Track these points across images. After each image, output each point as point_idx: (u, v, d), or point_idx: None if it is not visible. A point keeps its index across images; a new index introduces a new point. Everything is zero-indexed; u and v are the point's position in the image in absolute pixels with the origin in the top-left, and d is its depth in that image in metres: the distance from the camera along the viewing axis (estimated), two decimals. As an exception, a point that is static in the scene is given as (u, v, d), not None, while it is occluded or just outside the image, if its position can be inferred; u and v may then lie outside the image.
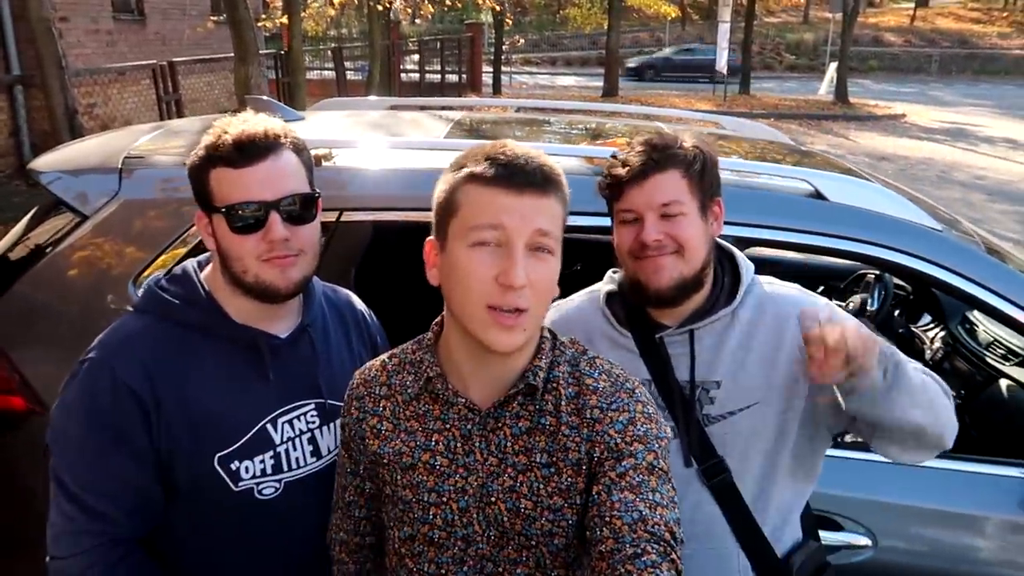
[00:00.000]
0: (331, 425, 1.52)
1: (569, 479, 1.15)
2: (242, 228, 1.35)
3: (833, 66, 22.10)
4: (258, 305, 1.42)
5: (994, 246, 2.38)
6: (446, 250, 1.14)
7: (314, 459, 1.49)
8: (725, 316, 1.52)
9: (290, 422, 1.47)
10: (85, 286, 2.00)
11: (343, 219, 2.03)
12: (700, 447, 1.51)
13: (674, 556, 1.02)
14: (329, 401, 1.51)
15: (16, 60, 9.36)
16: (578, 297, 1.68)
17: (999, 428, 2.51)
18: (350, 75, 16.89)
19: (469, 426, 1.18)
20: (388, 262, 2.72)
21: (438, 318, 1.25)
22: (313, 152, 2.13)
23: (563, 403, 1.18)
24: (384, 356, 1.32)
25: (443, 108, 3.25)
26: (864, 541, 1.89)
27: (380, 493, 1.28)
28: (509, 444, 1.17)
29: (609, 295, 1.62)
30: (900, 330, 3.15)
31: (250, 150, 1.34)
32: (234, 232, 1.35)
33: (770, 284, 1.60)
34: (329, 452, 1.52)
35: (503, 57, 24.29)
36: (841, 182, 2.12)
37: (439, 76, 19.92)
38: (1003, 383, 2.53)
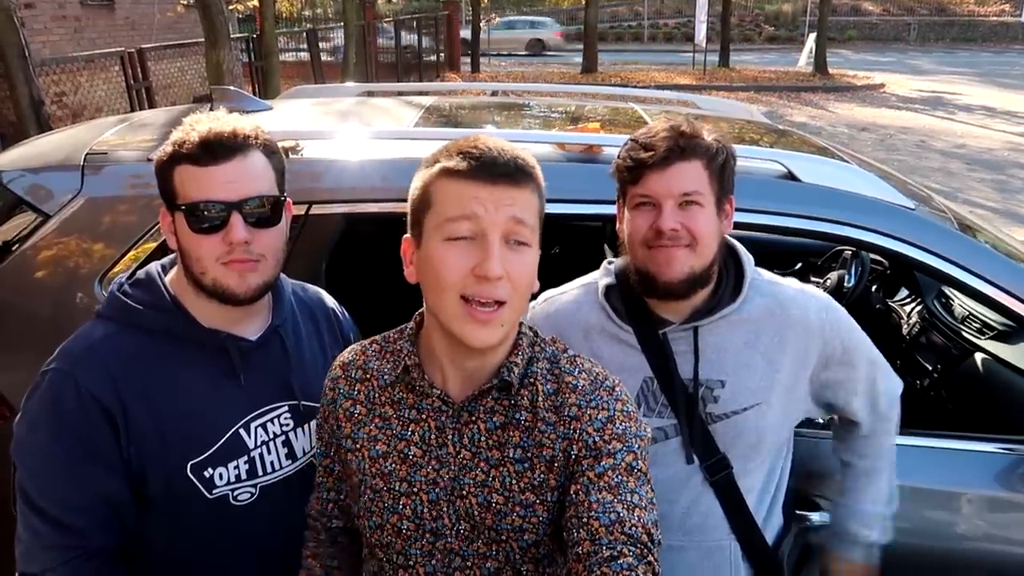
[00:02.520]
0: (306, 427, 1.50)
1: (542, 475, 1.15)
2: (202, 228, 1.32)
3: (812, 37, 22.01)
4: (224, 308, 1.39)
5: (967, 222, 2.39)
6: (422, 246, 1.12)
7: (289, 461, 1.48)
8: (730, 314, 1.51)
9: (264, 425, 1.45)
10: (53, 286, 1.96)
11: (312, 212, 2.00)
12: (703, 445, 1.50)
13: (651, 558, 1.01)
14: (303, 403, 1.49)
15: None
16: (572, 289, 1.65)
17: (974, 402, 2.53)
18: (326, 57, 16.68)
19: (443, 418, 1.18)
20: (359, 255, 2.70)
21: (421, 309, 1.23)
22: (281, 144, 2.12)
23: (540, 399, 1.17)
24: (366, 341, 1.31)
25: (416, 94, 3.19)
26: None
27: (348, 477, 1.28)
28: (483, 438, 1.16)
29: (608, 288, 1.59)
30: (877, 306, 3.17)
31: (216, 149, 1.31)
32: (194, 231, 1.32)
33: (773, 282, 1.58)
34: (304, 454, 1.50)
35: (480, 34, 24.06)
36: (814, 162, 2.11)
37: (416, 56, 19.70)
38: (978, 357, 2.55)
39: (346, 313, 1.71)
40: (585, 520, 1.04)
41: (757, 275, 1.57)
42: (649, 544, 1.02)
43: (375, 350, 1.28)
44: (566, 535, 1.07)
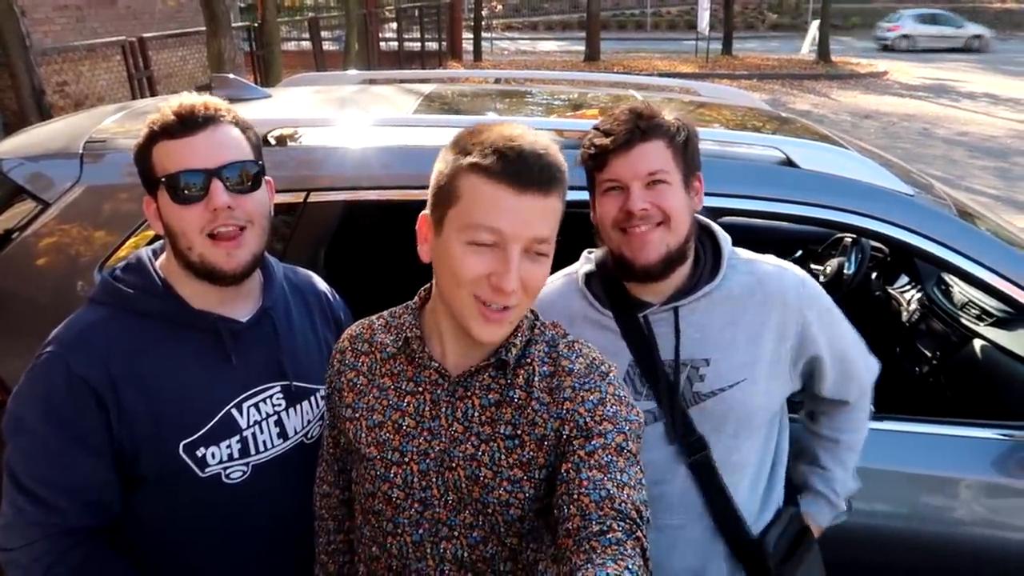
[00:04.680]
0: (297, 407, 1.52)
1: (531, 452, 1.17)
2: (184, 198, 1.34)
3: (815, 24, 21.90)
4: (215, 289, 1.41)
5: (967, 209, 2.39)
6: (441, 235, 1.13)
7: (281, 440, 1.50)
8: (711, 292, 1.52)
9: (256, 405, 1.47)
10: (54, 274, 1.97)
11: (310, 200, 2.01)
12: (683, 425, 1.51)
13: (639, 534, 1.03)
14: (294, 383, 1.51)
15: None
16: (555, 280, 1.66)
17: (973, 388, 2.53)
18: (328, 46, 16.63)
19: (439, 391, 1.21)
20: (358, 243, 2.70)
21: (427, 284, 1.25)
22: (279, 131, 2.13)
23: (536, 379, 1.19)
24: (375, 316, 1.34)
25: (416, 81, 3.19)
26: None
27: (348, 447, 1.31)
28: (476, 414, 1.19)
29: (588, 276, 1.60)
30: (877, 293, 3.17)
31: (189, 121, 1.34)
32: (176, 203, 1.34)
33: (750, 260, 1.59)
34: (296, 433, 1.52)
35: (483, 23, 23.97)
36: (813, 149, 2.11)
37: (419, 44, 19.65)
38: (977, 343, 2.55)
39: (337, 295, 1.73)
40: (575, 496, 1.06)
41: (734, 254, 1.58)
42: (638, 520, 1.04)
43: (381, 324, 1.31)
44: (556, 512, 1.09)
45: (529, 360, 1.21)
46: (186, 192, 1.33)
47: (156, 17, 12.75)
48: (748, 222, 3.12)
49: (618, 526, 1.01)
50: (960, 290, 2.77)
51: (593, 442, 1.11)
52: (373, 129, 2.16)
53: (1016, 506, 2.01)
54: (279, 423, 1.50)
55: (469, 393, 1.20)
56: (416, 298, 1.28)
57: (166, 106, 1.36)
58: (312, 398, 1.54)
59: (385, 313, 1.33)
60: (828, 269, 3.19)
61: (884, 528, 1.98)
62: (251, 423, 1.46)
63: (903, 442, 2.03)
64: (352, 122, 2.20)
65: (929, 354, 2.80)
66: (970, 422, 2.06)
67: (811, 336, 1.55)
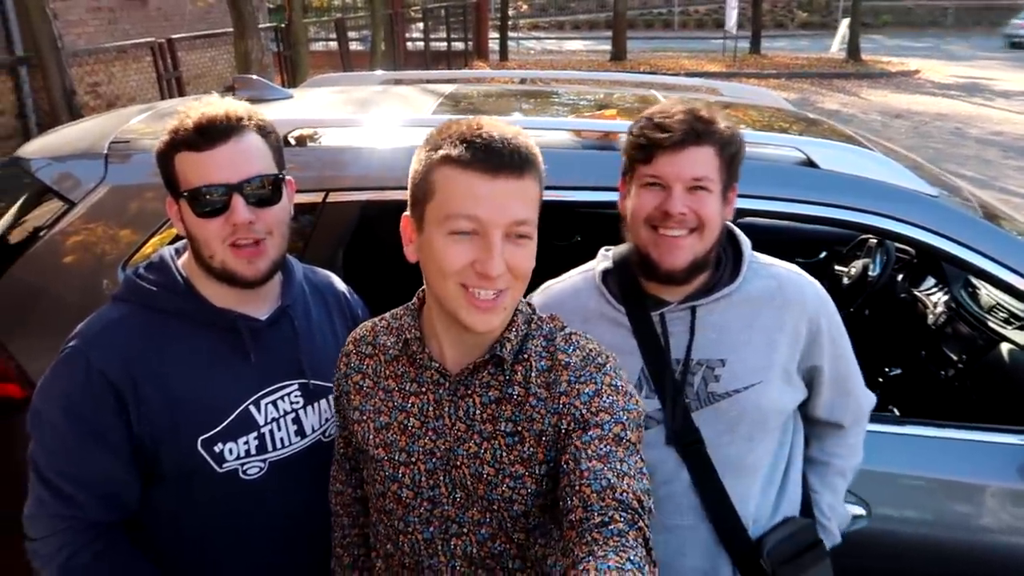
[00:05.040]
0: (315, 405, 1.54)
1: (531, 448, 1.18)
2: (205, 212, 1.36)
3: (845, 22, 21.61)
4: (235, 289, 1.43)
5: (995, 210, 2.34)
6: (423, 232, 1.14)
7: (299, 438, 1.52)
8: (729, 294, 1.52)
9: (274, 403, 1.49)
10: (79, 273, 2.01)
11: (329, 200, 2.02)
12: (682, 427, 1.51)
13: (641, 524, 1.03)
14: (313, 381, 1.53)
15: (20, 40, 9.34)
16: (571, 277, 1.66)
17: (1000, 393, 2.49)
18: (356, 46, 16.74)
19: (440, 391, 1.22)
20: (376, 243, 2.71)
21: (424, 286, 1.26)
22: (298, 132, 2.15)
23: (533, 375, 1.20)
24: (377, 318, 1.36)
25: (439, 81, 3.20)
26: (857, 511, 1.89)
27: (359, 447, 1.32)
28: (477, 412, 1.20)
29: (605, 273, 1.60)
30: (903, 295, 3.12)
31: (211, 133, 1.34)
32: (198, 216, 1.36)
33: (771, 264, 1.59)
34: (313, 431, 1.54)
35: (509, 23, 23.97)
36: (833, 149, 2.08)
37: (445, 44, 19.70)
38: (1004, 347, 2.50)
39: (355, 294, 1.74)
40: (577, 488, 1.06)
41: (754, 257, 1.58)
42: (640, 511, 1.04)
43: (383, 326, 1.33)
44: (561, 504, 1.09)
45: (527, 356, 1.21)
46: (208, 207, 1.35)
47: (186, 18, 12.93)
48: (771, 223, 3.11)
49: (620, 516, 1.02)
50: (988, 293, 2.72)
51: (590, 432, 1.12)
52: (393, 130, 2.17)
53: (1043, 514, 1.97)
54: (297, 421, 1.51)
55: (470, 391, 1.21)
56: (415, 299, 1.29)
57: (187, 114, 1.37)
58: (330, 396, 1.56)
59: (387, 315, 1.35)
60: (853, 270, 3.15)
61: (903, 535, 1.95)
62: (269, 420, 1.48)
63: (928, 447, 2.00)
64: (372, 122, 2.21)
65: (955, 357, 2.75)
66: (996, 427, 2.02)
67: (819, 344, 1.55)
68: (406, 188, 1.17)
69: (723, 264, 1.55)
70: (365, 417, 1.28)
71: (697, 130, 1.42)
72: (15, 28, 9.13)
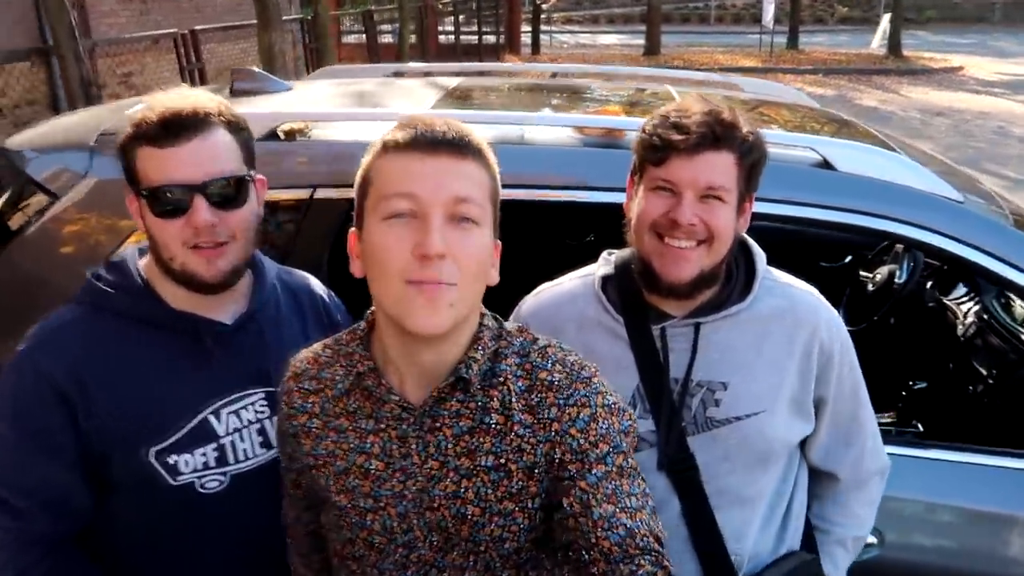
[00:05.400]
0: None
1: (520, 483, 1.06)
2: (165, 212, 1.28)
3: (887, 17, 21.09)
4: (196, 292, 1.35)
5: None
6: (364, 231, 1.04)
7: (264, 450, 1.43)
8: (738, 312, 1.39)
9: (236, 412, 1.40)
10: (61, 268, 1.94)
11: (316, 197, 1.94)
12: (677, 451, 1.39)
13: (665, 562, 0.97)
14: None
15: (50, 31, 9.44)
16: (569, 281, 1.54)
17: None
18: (388, 39, 16.73)
19: (404, 426, 1.09)
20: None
21: (372, 308, 1.14)
22: (287, 125, 2.06)
23: (513, 400, 1.07)
24: (318, 345, 1.22)
25: (445, 75, 3.10)
26: (869, 539, 1.76)
27: (315, 490, 1.21)
28: (450, 446, 1.08)
29: (605, 279, 1.48)
30: (931, 303, 2.96)
31: (175, 127, 1.25)
32: (157, 216, 1.29)
33: (787, 283, 1.46)
34: None
35: (543, 16, 23.80)
36: (852, 149, 1.95)
37: (476, 37, 19.59)
38: (1038, 363, 2.35)
39: (335, 297, 1.65)
40: (593, 540, 0.98)
41: (768, 273, 1.45)
42: (660, 548, 0.98)
43: (328, 356, 1.18)
44: (573, 553, 1.00)
45: (502, 378, 1.09)
46: (168, 207, 1.28)
47: (218, 10, 12.98)
48: (792, 226, 2.97)
49: (646, 561, 0.96)
50: (1022, 304, 2.56)
51: (595, 471, 1.02)
52: (385, 123, 2.08)
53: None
54: (262, 432, 1.43)
55: (439, 424, 1.08)
56: (363, 323, 1.16)
57: (150, 107, 1.28)
58: None
59: (328, 341, 1.21)
60: (878, 276, 3.00)
61: (919, 566, 1.82)
62: (230, 430, 1.40)
63: (955, 474, 1.86)
64: (366, 116, 2.13)
65: (985, 372, 2.60)
66: (1016, 453, 1.88)
67: (827, 374, 1.42)
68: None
69: (734, 279, 1.42)
70: (320, 462, 1.14)
71: (716, 133, 1.29)
72: (45, 18, 9.22)
